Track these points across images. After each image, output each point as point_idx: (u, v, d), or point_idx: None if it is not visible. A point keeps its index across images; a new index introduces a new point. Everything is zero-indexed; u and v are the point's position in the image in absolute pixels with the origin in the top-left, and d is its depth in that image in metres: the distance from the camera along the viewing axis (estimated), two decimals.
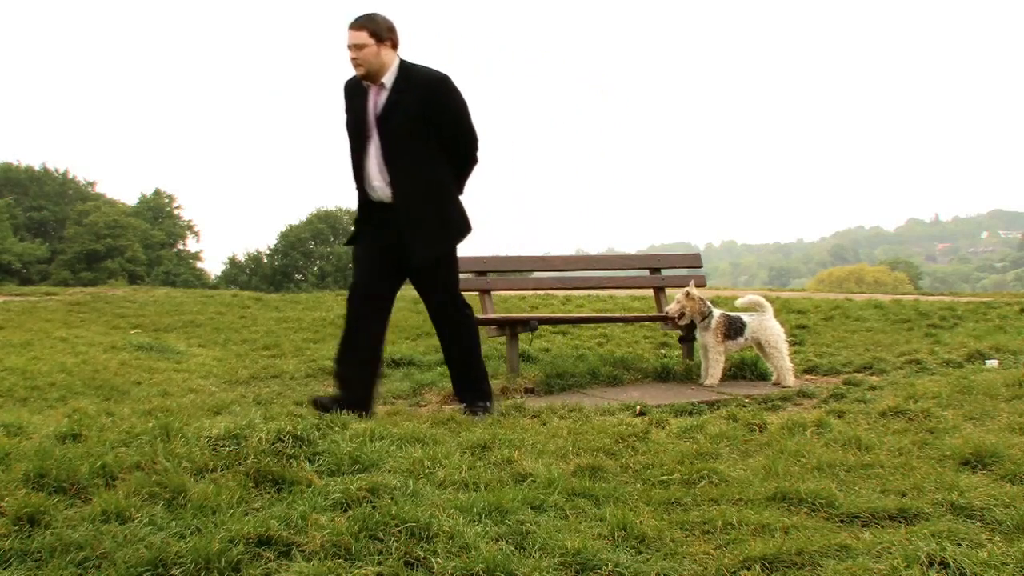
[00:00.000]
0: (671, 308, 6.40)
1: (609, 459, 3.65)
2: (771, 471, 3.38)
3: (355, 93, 4.57)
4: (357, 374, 4.54)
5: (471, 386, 4.72)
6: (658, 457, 3.65)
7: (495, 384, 5.79)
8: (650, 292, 7.77)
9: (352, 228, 4.80)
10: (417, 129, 4.45)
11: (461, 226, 4.69)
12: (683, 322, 6.40)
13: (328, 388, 6.10)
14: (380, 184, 4.52)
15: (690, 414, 4.90)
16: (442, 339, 4.76)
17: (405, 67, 4.48)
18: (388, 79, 4.44)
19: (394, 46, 4.45)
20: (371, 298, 4.58)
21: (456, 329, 4.67)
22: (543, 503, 2.94)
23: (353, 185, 4.67)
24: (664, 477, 3.34)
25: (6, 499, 2.70)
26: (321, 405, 4.32)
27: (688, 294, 6.30)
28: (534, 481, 3.19)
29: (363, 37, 4.34)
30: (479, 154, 4.72)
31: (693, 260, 7.95)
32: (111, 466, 3.07)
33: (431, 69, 4.51)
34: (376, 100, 4.48)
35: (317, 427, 3.62)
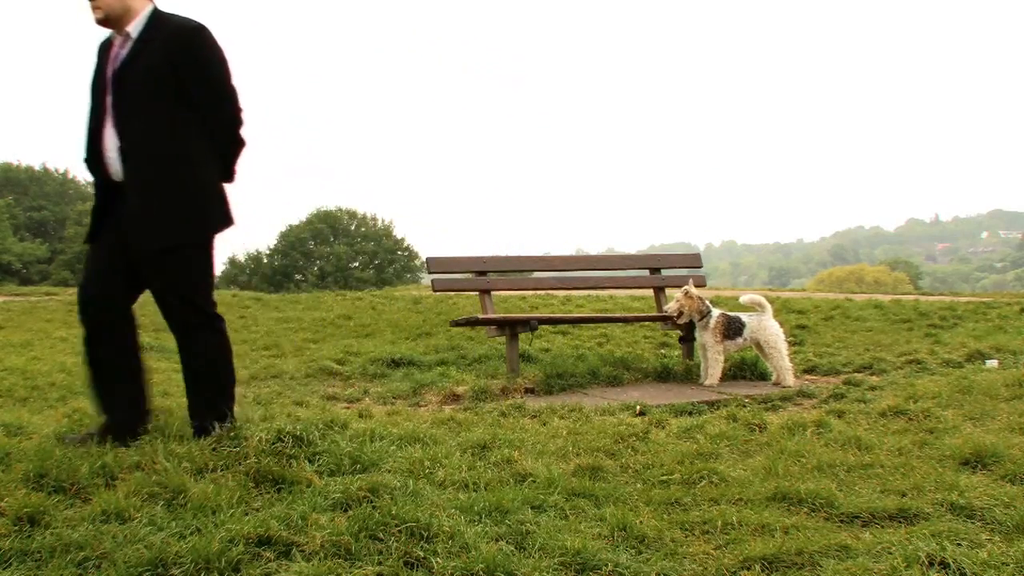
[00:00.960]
0: (670, 307, 6.43)
1: (609, 459, 3.65)
2: (771, 471, 3.38)
3: (106, 49, 3.76)
4: (119, 394, 3.72)
5: (205, 404, 3.70)
6: (658, 457, 3.65)
7: (495, 384, 5.80)
8: (650, 292, 7.78)
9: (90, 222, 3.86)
10: (160, 89, 3.60)
11: (208, 217, 3.74)
12: (682, 321, 6.42)
13: (329, 388, 6.10)
14: (114, 157, 3.66)
15: (690, 414, 4.90)
16: (179, 348, 3.79)
17: (157, 15, 3.69)
18: (135, 28, 3.64)
19: None
20: (104, 304, 3.70)
21: (191, 336, 3.71)
22: (543, 503, 2.94)
23: (85, 162, 3.76)
24: (664, 477, 3.34)
25: (6, 499, 2.70)
26: (78, 441, 3.52)
27: (687, 293, 6.31)
28: (534, 481, 3.19)
29: None
30: (243, 132, 3.82)
31: (693, 260, 7.96)
32: (111, 466, 3.08)
33: (186, 17, 3.71)
34: (119, 53, 3.65)
35: (317, 427, 3.62)
